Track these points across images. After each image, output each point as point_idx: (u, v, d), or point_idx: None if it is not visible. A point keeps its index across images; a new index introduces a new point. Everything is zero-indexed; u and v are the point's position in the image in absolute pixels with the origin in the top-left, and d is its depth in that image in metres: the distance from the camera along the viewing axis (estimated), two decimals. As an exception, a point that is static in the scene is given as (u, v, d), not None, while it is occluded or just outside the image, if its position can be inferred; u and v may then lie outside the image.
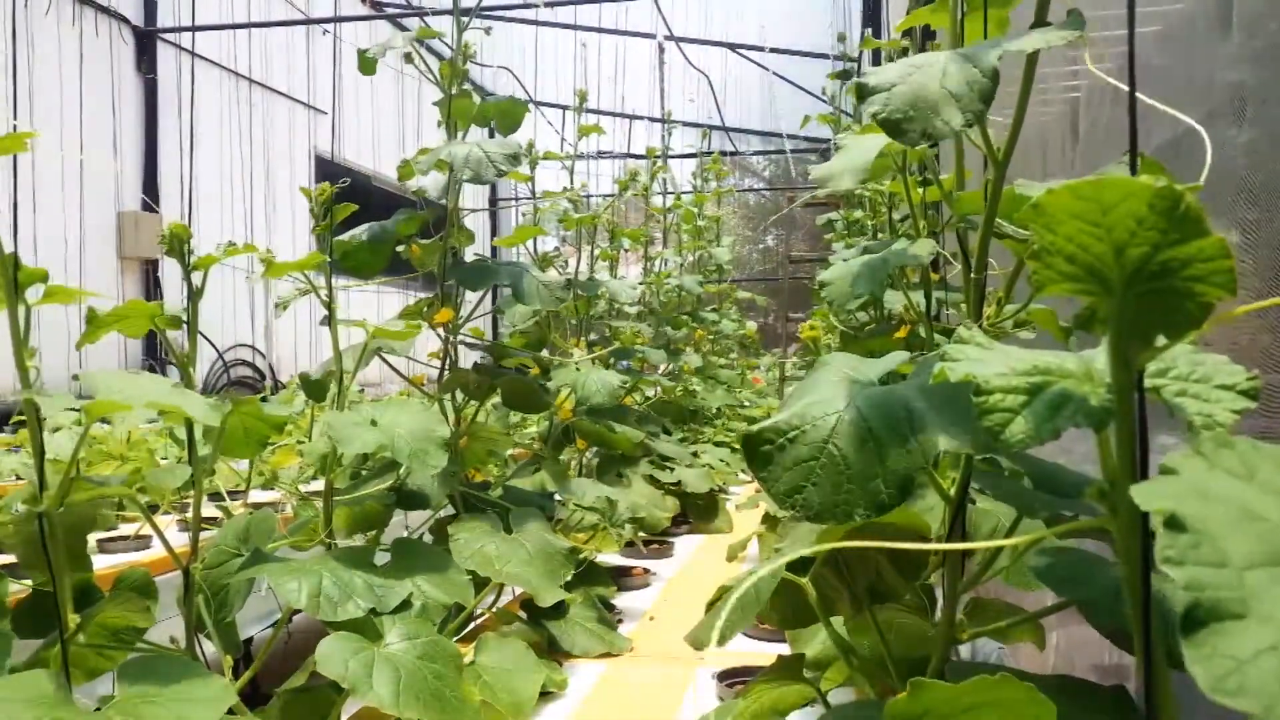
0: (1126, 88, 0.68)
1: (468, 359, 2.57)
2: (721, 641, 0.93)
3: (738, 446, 5.55)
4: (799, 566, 1.01)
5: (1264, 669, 0.40)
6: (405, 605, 1.54)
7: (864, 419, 0.77)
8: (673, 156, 7.13)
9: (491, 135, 2.44)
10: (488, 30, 2.59)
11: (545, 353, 3.16)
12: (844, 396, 0.81)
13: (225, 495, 2.63)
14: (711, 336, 6.29)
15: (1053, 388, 0.65)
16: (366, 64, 2.29)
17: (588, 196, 5.10)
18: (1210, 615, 0.43)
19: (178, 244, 1.49)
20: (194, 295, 1.50)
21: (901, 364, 0.89)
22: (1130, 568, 0.62)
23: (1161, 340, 0.60)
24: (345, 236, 2.24)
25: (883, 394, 0.80)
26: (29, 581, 1.41)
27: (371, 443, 1.69)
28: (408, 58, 2.29)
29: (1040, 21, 0.88)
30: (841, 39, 5.13)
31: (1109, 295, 0.60)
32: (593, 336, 3.89)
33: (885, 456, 0.75)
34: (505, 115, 2.42)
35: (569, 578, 2.12)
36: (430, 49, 2.49)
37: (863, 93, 0.85)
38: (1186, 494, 0.50)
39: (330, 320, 1.90)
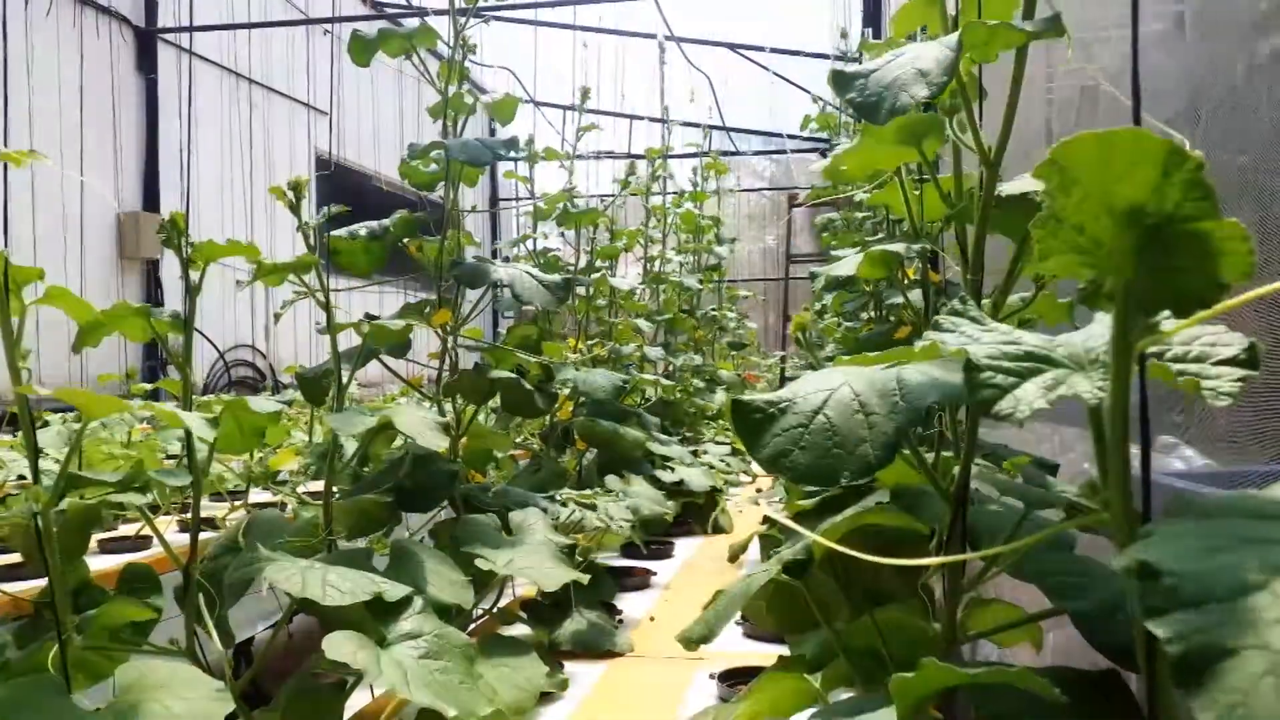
0: (1109, 84, 0.68)
1: (468, 359, 2.57)
2: (708, 636, 0.92)
3: (740, 447, 5.54)
4: (797, 569, 1.01)
5: (1266, 692, 0.39)
6: (405, 603, 1.54)
7: (854, 393, 0.78)
8: (673, 156, 7.13)
9: (493, 134, 2.45)
10: (487, 21, 2.60)
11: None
12: (838, 380, 0.82)
13: (226, 495, 2.62)
14: (712, 337, 6.29)
15: (1045, 374, 0.65)
16: (360, 52, 2.29)
17: (588, 197, 5.09)
18: (1203, 661, 0.41)
19: (175, 234, 1.47)
20: (192, 291, 1.49)
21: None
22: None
23: (1168, 322, 0.59)
24: (343, 233, 2.23)
25: (875, 372, 0.81)
26: (28, 583, 1.41)
27: (371, 421, 1.73)
28: (406, 55, 2.29)
29: (1028, 19, 0.90)
30: (844, 35, 5.13)
31: (1116, 269, 0.59)
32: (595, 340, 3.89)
33: (873, 422, 0.75)
34: (500, 108, 2.47)
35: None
36: (431, 50, 2.49)
37: (840, 80, 0.86)
38: (1163, 538, 0.47)
39: (329, 322, 1.90)
